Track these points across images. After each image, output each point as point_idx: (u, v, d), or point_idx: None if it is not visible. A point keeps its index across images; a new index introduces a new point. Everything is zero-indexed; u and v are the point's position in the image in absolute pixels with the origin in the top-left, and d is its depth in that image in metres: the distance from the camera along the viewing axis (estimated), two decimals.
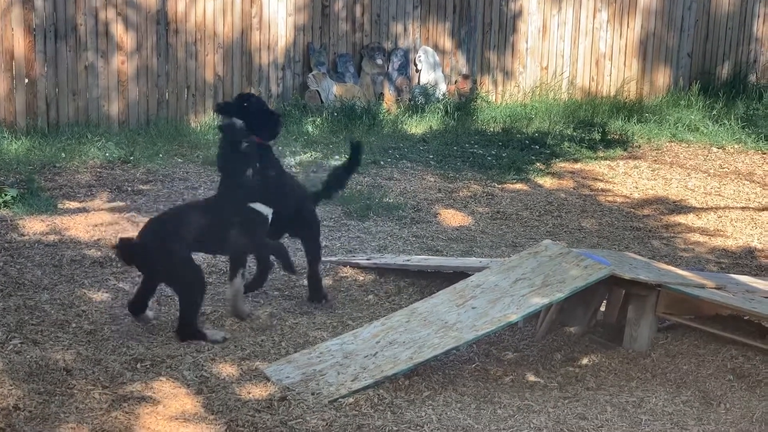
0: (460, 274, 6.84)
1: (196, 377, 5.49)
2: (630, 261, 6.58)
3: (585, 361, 6.06)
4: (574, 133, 12.83)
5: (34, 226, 8.06)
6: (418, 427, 5.06)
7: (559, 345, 6.27)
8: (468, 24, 14.11)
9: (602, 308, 6.57)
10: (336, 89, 12.94)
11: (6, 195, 8.57)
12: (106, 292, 6.73)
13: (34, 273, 7.04)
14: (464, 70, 14.16)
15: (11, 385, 5.05)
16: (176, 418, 4.97)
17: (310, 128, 12.07)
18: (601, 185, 10.86)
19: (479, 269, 6.70)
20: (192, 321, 6.03)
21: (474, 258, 7.83)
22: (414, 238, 8.58)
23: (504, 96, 14.40)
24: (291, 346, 6.08)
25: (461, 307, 6.04)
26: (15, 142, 10.28)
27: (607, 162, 11.76)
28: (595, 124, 13.22)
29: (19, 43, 11.00)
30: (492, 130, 12.82)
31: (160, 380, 5.39)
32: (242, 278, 6.46)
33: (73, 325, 6.13)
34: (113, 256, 6.95)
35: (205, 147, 10.93)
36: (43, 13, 11.03)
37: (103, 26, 11.44)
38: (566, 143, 12.31)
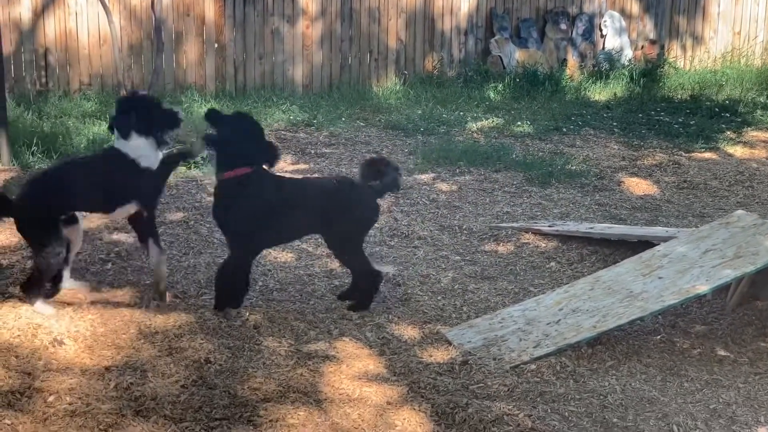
0: (645, 244, 6.67)
1: (379, 339, 5.53)
2: None
3: None
4: None
5: None
6: (601, 397, 4.97)
7: (750, 319, 6.04)
8: None
9: None
10: (518, 55, 12.79)
11: None
12: (290, 253, 6.86)
13: None
14: (651, 35, 13.76)
15: (203, 340, 5.21)
16: (359, 378, 5.02)
17: (491, 94, 11.99)
18: None
19: (665, 239, 6.52)
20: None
21: (660, 227, 7.62)
22: (597, 206, 8.41)
23: (693, 62, 13.94)
24: (472, 311, 6.06)
25: (647, 276, 5.89)
26: (205, 105, 10.60)
27: None
28: None
29: (209, 8, 11.31)
30: (679, 97, 12.43)
31: (343, 340, 5.46)
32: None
33: (260, 283, 6.27)
34: None
35: (387, 111, 10.99)
36: None
37: None
38: (759, 111, 11.82)
